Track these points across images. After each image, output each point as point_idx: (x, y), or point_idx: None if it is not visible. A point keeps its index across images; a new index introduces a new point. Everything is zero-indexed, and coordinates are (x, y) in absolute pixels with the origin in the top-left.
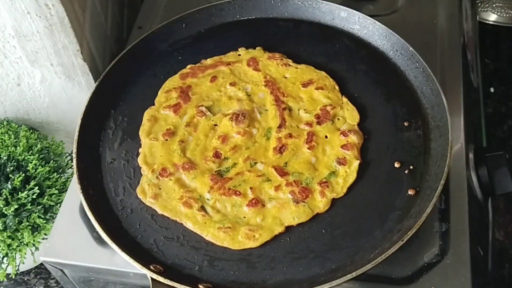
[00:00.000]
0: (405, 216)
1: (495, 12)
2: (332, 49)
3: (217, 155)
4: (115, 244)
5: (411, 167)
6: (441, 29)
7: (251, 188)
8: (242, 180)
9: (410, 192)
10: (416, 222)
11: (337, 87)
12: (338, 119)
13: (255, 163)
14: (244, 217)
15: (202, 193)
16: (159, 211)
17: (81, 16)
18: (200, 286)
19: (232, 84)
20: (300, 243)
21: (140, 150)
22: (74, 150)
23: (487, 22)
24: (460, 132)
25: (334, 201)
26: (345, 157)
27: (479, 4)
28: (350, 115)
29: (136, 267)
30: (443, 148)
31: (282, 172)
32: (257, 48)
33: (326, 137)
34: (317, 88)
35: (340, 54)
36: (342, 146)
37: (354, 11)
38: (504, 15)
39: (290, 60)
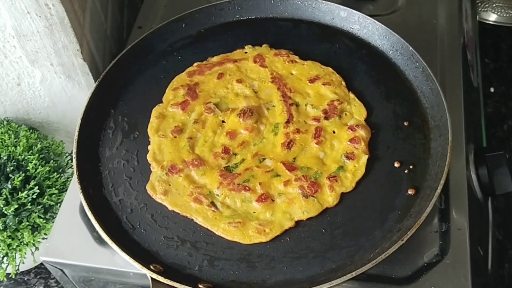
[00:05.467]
0: (405, 215)
1: (495, 12)
2: (332, 49)
3: (226, 150)
4: (115, 244)
5: (411, 166)
6: (441, 29)
7: (260, 183)
8: (251, 175)
9: (410, 191)
10: (416, 221)
11: (343, 83)
12: (346, 114)
13: (264, 159)
14: (254, 212)
15: (212, 189)
16: (169, 207)
17: (81, 16)
18: (200, 286)
19: (239, 81)
20: (300, 243)
21: (149, 147)
22: (74, 150)
23: (487, 22)
24: (460, 132)
25: (343, 196)
26: (353, 152)
27: (479, 4)
28: (357, 110)
29: (136, 267)
30: (443, 147)
31: (291, 167)
32: (264, 45)
33: (334, 132)
34: (324, 84)
35: (340, 54)
36: (350, 140)
37: (354, 11)
38: (504, 15)
39: (297, 57)
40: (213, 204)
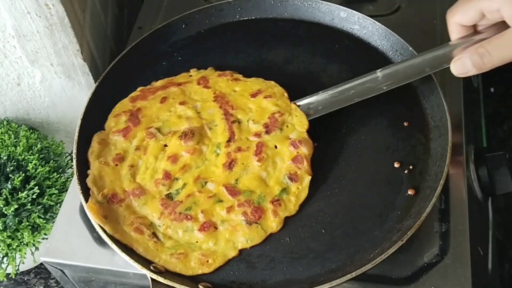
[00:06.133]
0: (404, 216)
1: None
2: (331, 49)
3: (167, 176)
4: (115, 244)
5: (411, 167)
6: (441, 29)
7: (202, 210)
8: (193, 202)
9: (410, 192)
10: (416, 222)
11: (285, 94)
12: (287, 126)
13: (206, 182)
14: (197, 242)
15: (153, 219)
16: (109, 232)
17: (81, 16)
18: (200, 286)
19: (182, 103)
20: (300, 243)
21: (89, 171)
22: (74, 151)
23: None
24: (460, 132)
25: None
26: (296, 172)
27: None
28: (298, 121)
29: (136, 267)
30: (442, 148)
31: (234, 192)
32: (209, 68)
33: (275, 147)
34: (265, 97)
35: (340, 55)
36: (293, 159)
37: (354, 11)
38: None
39: (240, 75)
40: (154, 234)
